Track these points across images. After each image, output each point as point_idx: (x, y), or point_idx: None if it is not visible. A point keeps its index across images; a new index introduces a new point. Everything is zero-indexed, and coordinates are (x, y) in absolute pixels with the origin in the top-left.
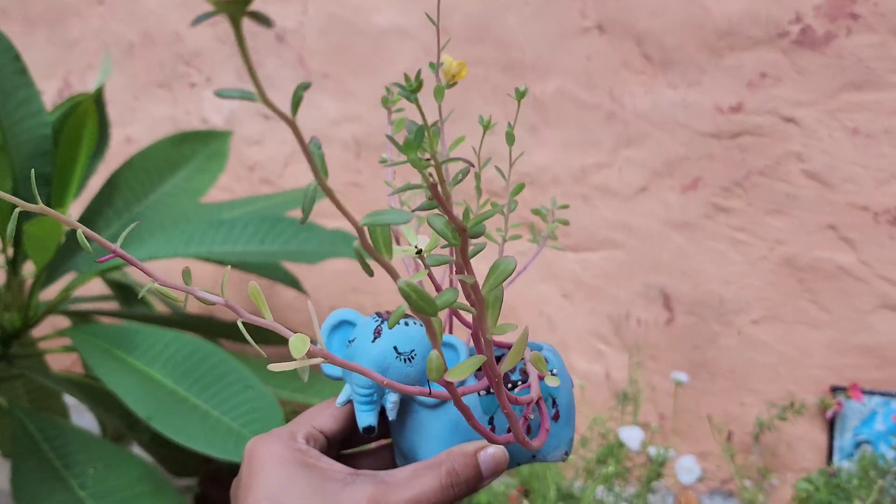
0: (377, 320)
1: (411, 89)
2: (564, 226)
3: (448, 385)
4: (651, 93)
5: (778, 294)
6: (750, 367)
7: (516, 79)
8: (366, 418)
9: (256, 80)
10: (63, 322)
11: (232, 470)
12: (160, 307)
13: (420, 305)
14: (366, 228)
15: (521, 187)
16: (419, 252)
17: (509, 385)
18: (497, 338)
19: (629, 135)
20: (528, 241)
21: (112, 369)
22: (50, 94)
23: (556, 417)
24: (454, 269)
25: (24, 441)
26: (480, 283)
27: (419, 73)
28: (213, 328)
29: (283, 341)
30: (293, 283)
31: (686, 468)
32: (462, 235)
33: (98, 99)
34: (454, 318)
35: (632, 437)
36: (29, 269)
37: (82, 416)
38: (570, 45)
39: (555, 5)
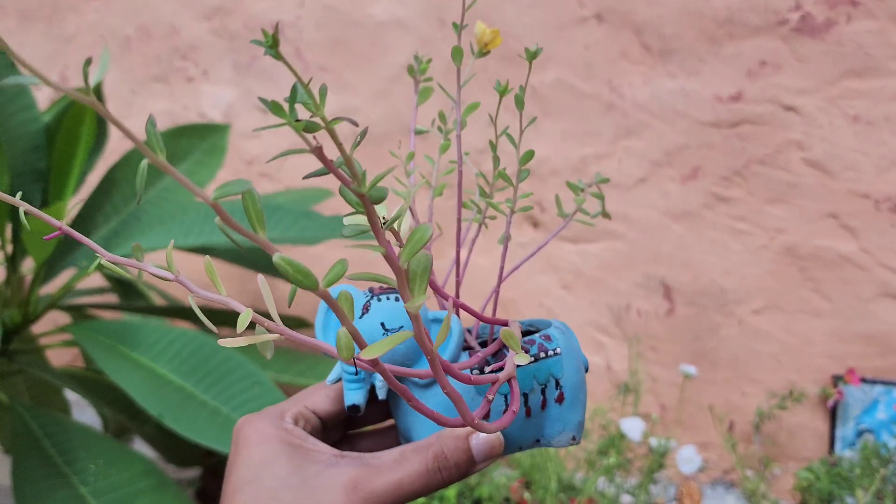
0: (367, 296)
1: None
2: (607, 219)
3: (432, 361)
4: (650, 82)
5: (779, 283)
6: (751, 357)
7: (514, 69)
8: (351, 397)
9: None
10: (63, 318)
11: None
12: (159, 301)
13: (298, 280)
14: (220, 203)
15: (530, 154)
16: (385, 224)
17: (478, 368)
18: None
19: (628, 125)
20: (528, 233)
21: (118, 366)
22: (47, 89)
23: (559, 399)
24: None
25: (25, 437)
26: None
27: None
28: (209, 318)
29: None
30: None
31: (687, 459)
32: (363, 202)
33: (96, 94)
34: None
35: (633, 428)
36: (28, 264)
37: (83, 412)
38: (568, 36)
39: None
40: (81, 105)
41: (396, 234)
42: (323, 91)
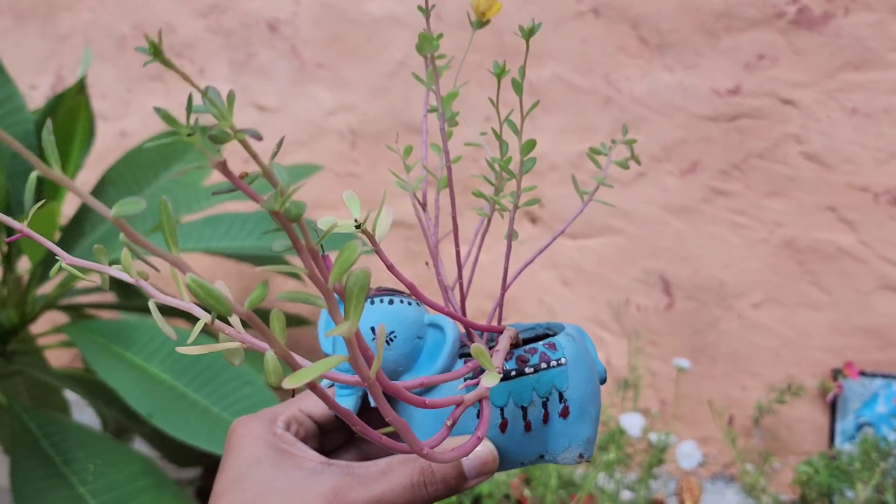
0: None
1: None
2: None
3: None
4: (647, 77)
5: (778, 277)
6: (751, 351)
7: (511, 64)
8: (341, 401)
9: None
10: (62, 318)
11: None
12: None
13: (210, 304)
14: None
15: (532, 144)
16: (359, 226)
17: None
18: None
19: (626, 120)
20: (527, 229)
21: (111, 365)
22: (43, 88)
23: (564, 414)
24: (479, 242)
25: (24, 438)
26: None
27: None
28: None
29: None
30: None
31: (686, 454)
32: (278, 220)
33: (81, 91)
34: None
35: (632, 423)
36: (24, 265)
37: (83, 412)
38: (565, 30)
39: None
40: (75, 104)
41: (371, 238)
42: (231, 98)
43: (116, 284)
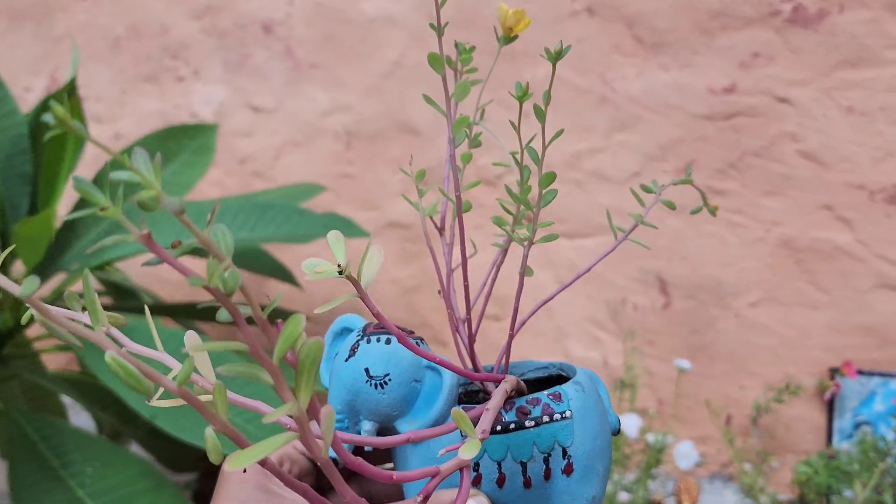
0: (359, 334)
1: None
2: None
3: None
4: (643, 75)
5: (775, 276)
6: (749, 350)
7: (507, 64)
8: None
9: None
10: None
11: None
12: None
13: (131, 384)
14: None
15: (552, 177)
16: (342, 272)
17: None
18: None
19: (622, 119)
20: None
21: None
22: (38, 91)
23: (567, 471)
24: (496, 268)
25: (21, 442)
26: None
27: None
28: (194, 313)
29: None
30: (286, 276)
31: (684, 454)
32: (215, 295)
33: (72, 94)
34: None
35: (630, 424)
36: (19, 269)
37: (80, 416)
38: (560, 29)
39: None
40: (68, 107)
41: (356, 284)
42: (156, 166)
43: (112, 287)
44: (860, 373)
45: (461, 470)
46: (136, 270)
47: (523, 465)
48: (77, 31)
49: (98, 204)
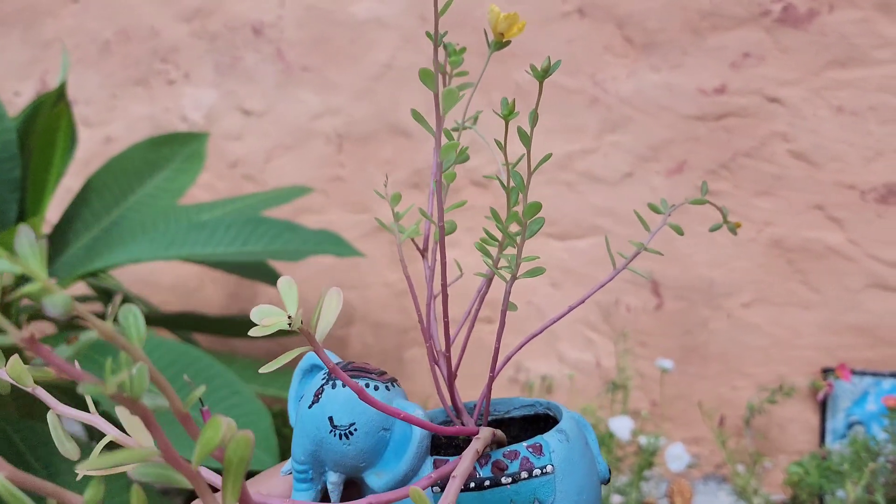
0: (324, 378)
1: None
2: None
3: None
4: (634, 76)
5: (767, 276)
6: (741, 351)
7: (498, 65)
8: (298, 497)
9: None
10: (49, 328)
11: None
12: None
13: None
14: None
15: (537, 206)
16: (291, 325)
17: (439, 486)
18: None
19: (613, 119)
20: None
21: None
22: (27, 95)
23: None
24: (480, 298)
25: (8, 451)
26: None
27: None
28: (189, 323)
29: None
30: (273, 280)
31: (675, 456)
32: (118, 400)
33: (61, 97)
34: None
35: (622, 426)
36: (7, 275)
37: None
38: (550, 30)
39: None
40: (56, 112)
41: (310, 338)
42: (42, 250)
43: (105, 294)
44: (852, 373)
45: None
46: (128, 277)
47: None
48: (66, 35)
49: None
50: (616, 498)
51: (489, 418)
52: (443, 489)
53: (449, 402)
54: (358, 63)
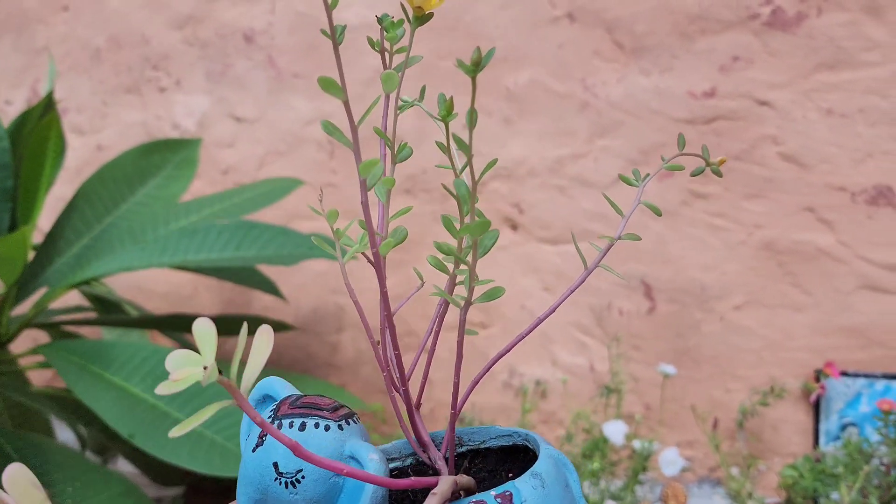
0: (270, 415)
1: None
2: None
3: None
4: (624, 80)
5: (759, 278)
6: (734, 353)
7: (488, 70)
8: None
9: None
10: (44, 336)
11: (217, 480)
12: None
13: None
14: None
15: (485, 225)
16: (206, 368)
17: None
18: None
19: (603, 123)
20: (508, 236)
21: (89, 385)
22: (18, 103)
23: None
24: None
25: (1, 462)
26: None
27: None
28: (180, 324)
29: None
30: (271, 288)
31: (669, 461)
32: None
33: (50, 107)
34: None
35: (615, 431)
36: None
37: (66, 430)
38: (540, 35)
39: None
40: (47, 122)
41: (234, 392)
42: None
43: (97, 301)
44: (845, 374)
45: None
46: (122, 285)
47: None
48: (57, 42)
49: None
50: (611, 503)
51: (464, 449)
52: None
53: (413, 435)
54: (349, 69)
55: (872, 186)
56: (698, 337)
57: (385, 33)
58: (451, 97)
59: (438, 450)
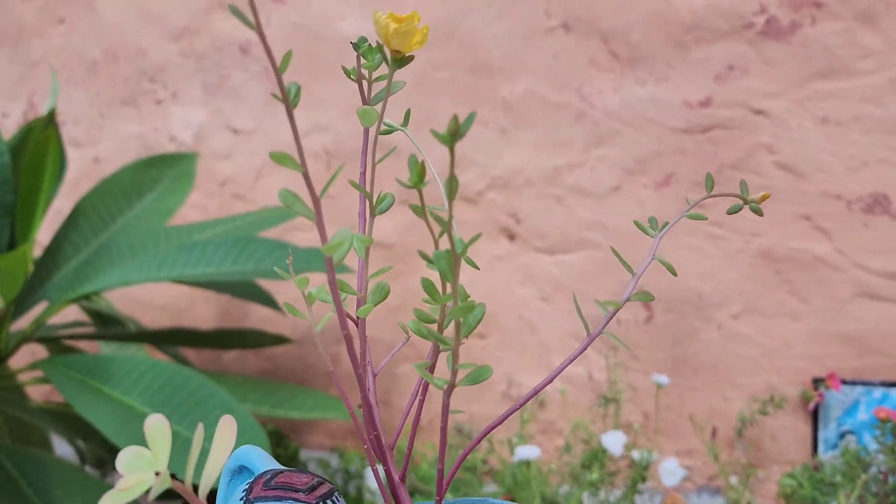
0: (242, 496)
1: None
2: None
3: None
4: (619, 90)
5: (756, 287)
6: (732, 362)
7: (484, 80)
8: None
9: None
10: (42, 351)
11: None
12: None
13: None
14: None
15: (469, 307)
16: (158, 474)
17: None
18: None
19: (600, 133)
20: (504, 246)
21: (88, 400)
22: (15, 116)
23: None
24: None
25: (1, 478)
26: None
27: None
28: (179, 338)
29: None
30: (268, 301)
31: (669, 471)
32: None
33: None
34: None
35: (614, 442)
36: None
37: (66, 444)
38: (536, 45)
39: (519, 5)
40: (45, 136)
41: (191, 497)
42: None
43: (96, 316)
44: (843, 382)
45: None
46: (120, 298)
47: None
48: (53, 55)
49: None
50: None
51: None
52: None
53: None
54: (345, 80)
55: (868, 195)
56: (696, 345)
57: (362, 60)
58: (423, 163)
59: None
